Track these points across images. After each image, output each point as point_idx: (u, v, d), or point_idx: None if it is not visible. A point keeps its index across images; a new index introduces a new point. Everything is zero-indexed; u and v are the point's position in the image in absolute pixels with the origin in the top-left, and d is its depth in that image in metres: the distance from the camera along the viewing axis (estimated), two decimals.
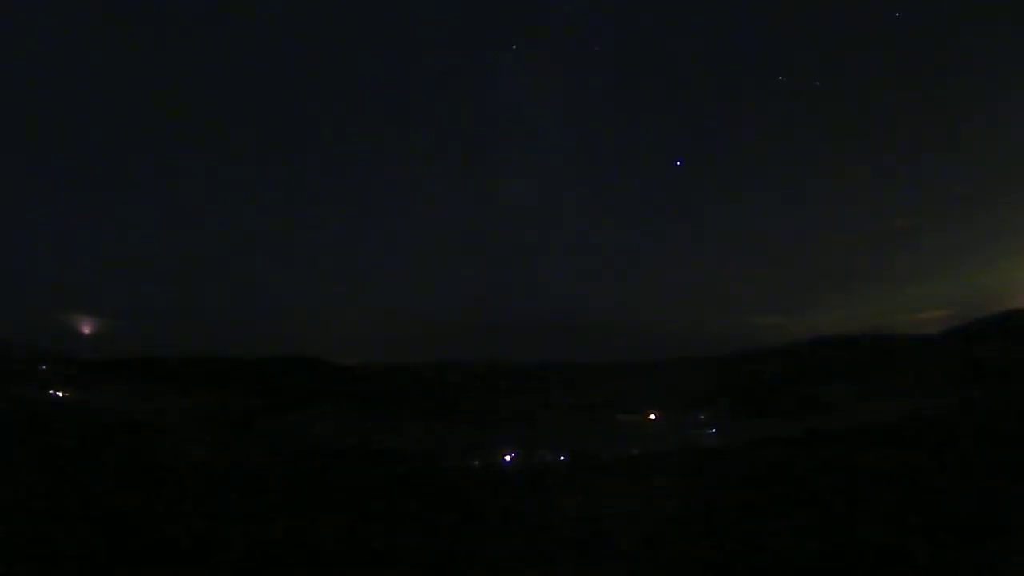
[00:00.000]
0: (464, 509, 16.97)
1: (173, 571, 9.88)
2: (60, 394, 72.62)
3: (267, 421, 72.54)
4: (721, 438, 59.78)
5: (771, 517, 13.25)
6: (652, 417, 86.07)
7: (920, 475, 17.10)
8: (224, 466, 27.04)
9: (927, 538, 10.59)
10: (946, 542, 10.31)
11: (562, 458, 48.84)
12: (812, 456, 23.38)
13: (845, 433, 31.12)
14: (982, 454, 19.49)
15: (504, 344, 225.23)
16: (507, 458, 55.35)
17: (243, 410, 76.00)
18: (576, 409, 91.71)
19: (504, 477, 30.90)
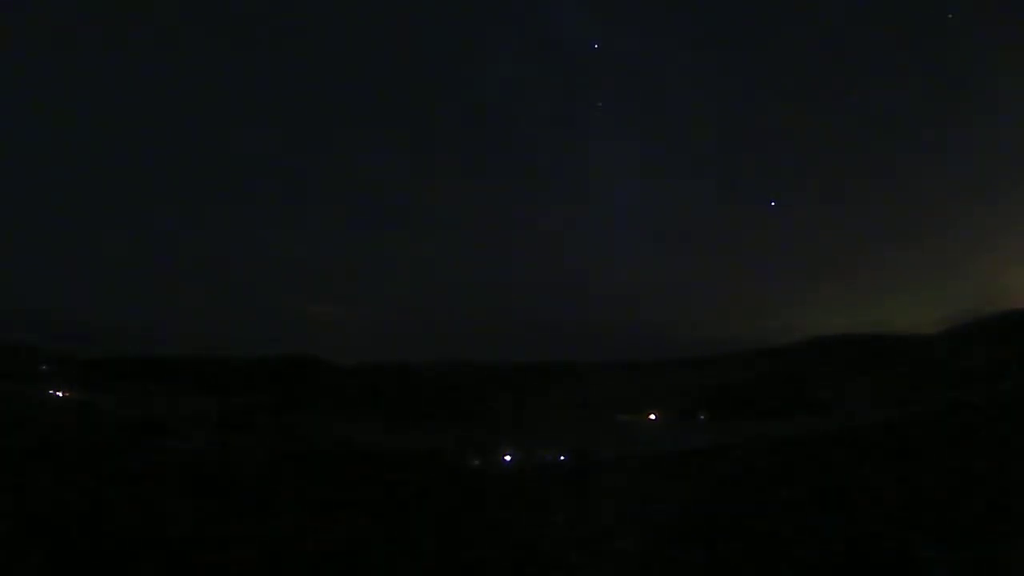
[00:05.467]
0: (464, 509, 17.00)
1: (173, 571, 9.90)
2: (60, 394, 72.66)
3: (267, 421, 72.55)
4: (721, 438, 59.75)
5: (771, 518, 13.28)
6: (652, 417, 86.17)
7: (920, 475, 17.13)
8: (224, 466, 27.06)
9: (927, 539, 10.62)
10: (947, 543, 10.34)
11: (562, 458, 48.94)
12: (812, 456, 23.42)
13: (845, 433, 31.18)
14: (981, 454, 19.52)
15: (504, 344, 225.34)
16: (507, 458, 55.40)
17: (243, 410, 76.05)
18: (576, 409, 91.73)
19: (504, 477, 30.94)
